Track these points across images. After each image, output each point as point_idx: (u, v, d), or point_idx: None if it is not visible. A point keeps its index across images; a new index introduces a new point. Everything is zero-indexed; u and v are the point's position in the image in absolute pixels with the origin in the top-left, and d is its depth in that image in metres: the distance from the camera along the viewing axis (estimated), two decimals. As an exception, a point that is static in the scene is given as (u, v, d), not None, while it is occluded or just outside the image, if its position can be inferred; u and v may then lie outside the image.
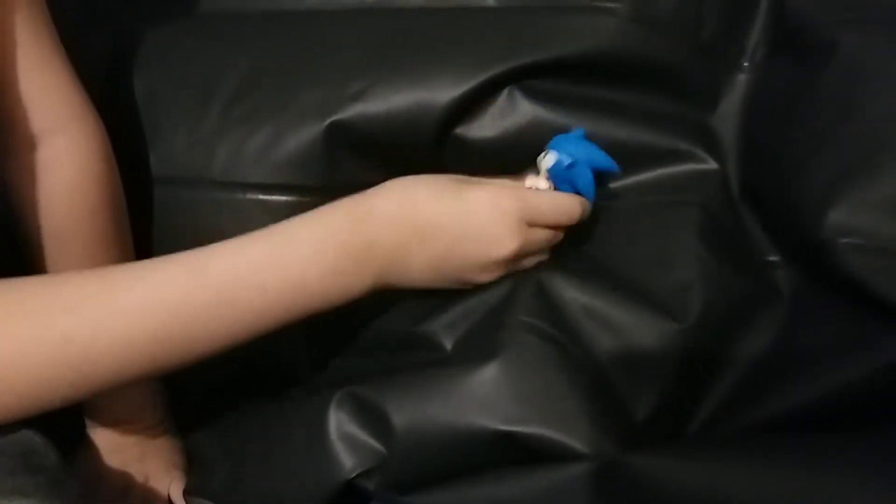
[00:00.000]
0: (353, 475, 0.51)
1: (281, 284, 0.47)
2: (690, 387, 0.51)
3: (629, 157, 0.58)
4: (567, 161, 0.53)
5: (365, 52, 0.60)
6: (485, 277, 0.53)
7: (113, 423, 0.60)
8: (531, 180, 0.55)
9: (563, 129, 0.57)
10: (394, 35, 0.61)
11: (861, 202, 0.50)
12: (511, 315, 0.51)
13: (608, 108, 0.59)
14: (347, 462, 0.51)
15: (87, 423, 0.60)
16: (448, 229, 0.50)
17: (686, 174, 0.59)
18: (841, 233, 0.50)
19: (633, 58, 0.59)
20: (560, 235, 0.54)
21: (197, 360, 0.48)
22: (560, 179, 0.54)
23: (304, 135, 0.58)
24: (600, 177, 0.56)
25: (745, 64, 0.62)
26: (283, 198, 0.58)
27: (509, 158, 0.59)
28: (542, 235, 0.53)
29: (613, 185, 0.59)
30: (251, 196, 0.58)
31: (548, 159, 0.54)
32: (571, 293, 0.53)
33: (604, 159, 0.55)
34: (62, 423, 0.53)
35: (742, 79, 0.61)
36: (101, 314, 0.45)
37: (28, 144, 0.54)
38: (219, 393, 0.62)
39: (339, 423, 0.51)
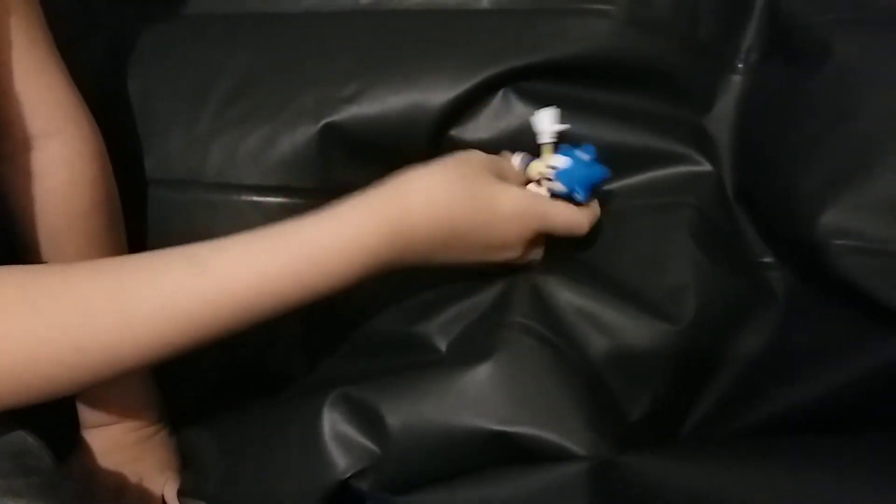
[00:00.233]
0: (347, 475, 0.51)
1: (297, 289, 0.47)
2: (685, 387, 0.52)
3: (624, 160, 0.58)
4: (569, 168, 0.54)
5: (359, 54, 0.60)
6: (484, 264, 0.53)
7: (107, 424, 0.60)
8: (531, 170, 0.55)
9: (562, 136, 0.57)
10: (388, 37, 0.61)
11: (855, 204, 0.50)
12: (506, 316, 0.52)
13: (602, 111, 0.59)
14: (341, 462, 0.51)
15: (82, 423, 0.60)
16: (472, 238, 0.51)
17: (680, 176, 0.59)
18: (835, 234, 0.50)
19: (627, 60, 0.59)
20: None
21: (198, 346, 0.47)
22: (562, 180, 0.54)
23: (298, 136, 0.58)
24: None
25: (740, 66, 0.62)
26: (278, 199, 0.58)
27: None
28: (542, 240, 0.55)
29: (608, 186, 0.59)
30: (245, 198, 0.58)
31: (555, 161, 0.54)
32: (566, 295, 0.53)
33: (601, 171, 0.55)
34: (57, 424, 0.54)
35: (737, 80, 0.62)
36: (115, 326, 0.45)
37: (23, 147, 0.54)
38: (214, 394, 0.62)
39: (334, 423, 0.51)
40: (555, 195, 0.54)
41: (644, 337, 0.51)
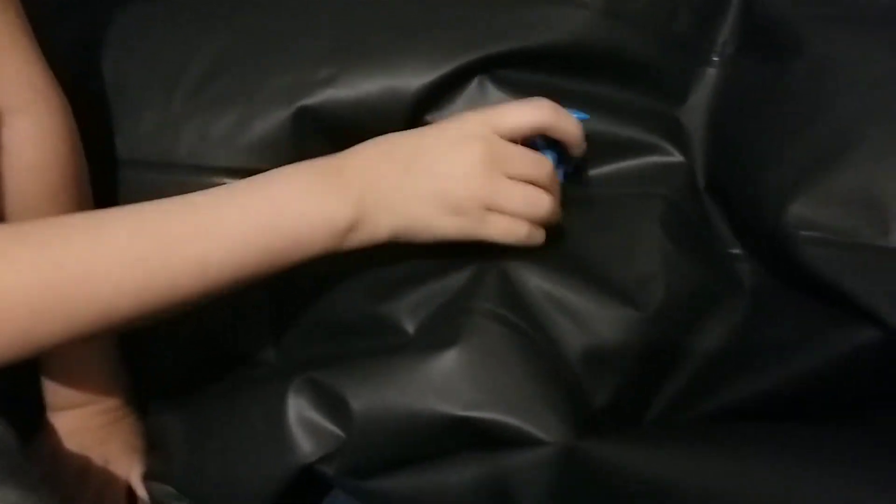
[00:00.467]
0: (312, 460, 0.51)
1: (259, 203, 0.49)
2: (651, 374, 0.52)
3: (597, 149, 0.58)
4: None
5: (335, 37, 0.60)
6: (466, 192, 0.50)
7: (73, 406, 0.59)
8: None
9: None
10: (365, 21, 0.60)
11: (821, 197, 0.51)
12: (473, 301, 0.52)
13: (577, 100, 0.59)
14: (306, 447, 0.51)
15: (48, 406, 0.60)
16: (409, 138, 0.52)
17: (652, 166, 0.59)
18: (801, 226, 0.51)
19: (604, 50, 0.59)
20: (544, 167, 0.53)
21: (184, 297, 0.48)
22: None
23: (271, 119, 0.58)
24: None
25: (715, 59, 0.62)
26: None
27: None
28: (517, 151, 0.52)
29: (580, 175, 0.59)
30: (217, 180, 0.58)
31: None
32: (535, 281, 0.53)
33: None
34: (22, 407, 0.53)
35: (712, 73, 0.62)
36: (91, 242, 0.46)
37: None
38: (182, 378, 0.62)
39: (299, 408, 0.51)
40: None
41: (611, 324, 0.51)
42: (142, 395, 0.63)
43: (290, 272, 0.50)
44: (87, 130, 0.59)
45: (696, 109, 0.62)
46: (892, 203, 0.49)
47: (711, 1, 0.62)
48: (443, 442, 0.49)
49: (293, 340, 0.58)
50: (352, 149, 0.52)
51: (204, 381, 0.60)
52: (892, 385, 0.48)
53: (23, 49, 0.54)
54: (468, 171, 0.50)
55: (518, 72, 0.59)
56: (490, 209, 0.51)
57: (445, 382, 0.49)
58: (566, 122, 0.53)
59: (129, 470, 0.60)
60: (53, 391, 0.60)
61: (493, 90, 0.58)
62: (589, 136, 0.58)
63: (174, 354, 0.61)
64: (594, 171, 0.60)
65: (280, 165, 0.57)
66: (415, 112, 0.58)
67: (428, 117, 0.59)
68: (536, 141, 0.54)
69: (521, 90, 0.58)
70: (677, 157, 0.60)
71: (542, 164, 0.53)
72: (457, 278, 0.54)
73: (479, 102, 0.59)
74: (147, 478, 0.59)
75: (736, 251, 0.57)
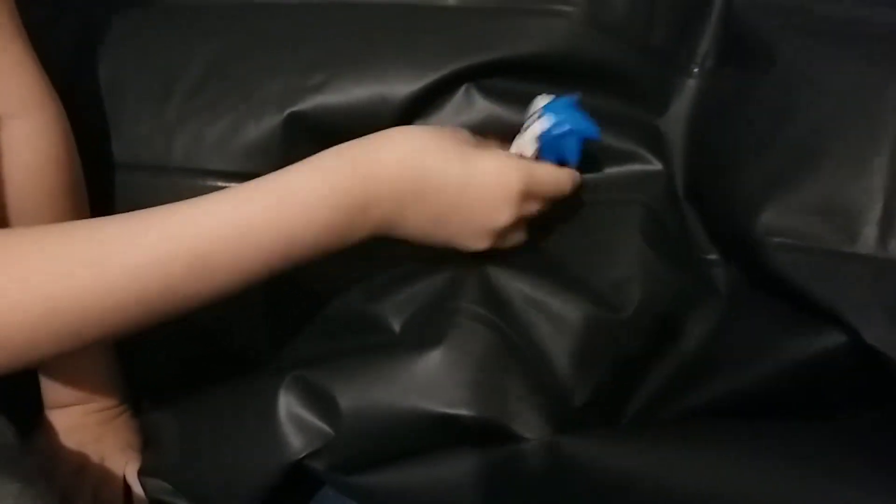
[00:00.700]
0: (302, 455, 0.52)
1: (274, 234, 0.47)
2: (628, 375, 0.53)
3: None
4: (560, 130, 0.54)
5: (326, 45, 0.61)
6: (475, 244, 0.52)
7: (70, 403, 0.61)
8: (518, 145, 0.56)
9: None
10: (355, 29, 0.62)
11: (790, 204, 0.52)
12: (456, 302, 0.53)
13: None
14: (295, 443, 0.52)
15: (45, 404, 0.61)
16: (450, 193, 0.50)
17: (632, 174, 0.61)
18: (772, 232, 0.52)
19: (585, 60, 0.60)
20: (548, 207, 0.54)
21: (197, 304, 0.47)
22: (547, 146, 0.55)
23: (263, 124, 0.59)
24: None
25: (696, 70, 0.63)
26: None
27: None
28: (534, 207, 0.53)
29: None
30: (210, 182, 0.59)
31: (541, 123, 0.55)
32: (515, 284, 0.54)
33: (591, 129, 0.55)
34: (20, 405, 0.54)
35: (692, 84, 0.63)
36: (91, 281, 0.45)
37: None
38: (176, 375, 0.63)
39: (289, 405, 0.53)
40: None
41: (589, 326, 0.52)
42: (136, 393, 0.64)
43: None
44: (82, 133, 0.60)
45: (676, 119, 0.63)
46: (858, 210, 0.50)
47: (691, 14, 0.63)
48: (427, 439, 0.50)
49: (285, 338, 0.60)
50: (388, 158, 0.50)
51: (197, 379, 0.61)
52: (858, 386, 0.50)
53: (18, 54, 0.55)
54: (489, 233, 0.52)
55: (503, 80, 0.60)
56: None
57: (429, 381, 0.50)
58: None
59: (125, 466, 0.61)
60: (51, 389, 0.61)
61: (478, 98, 0.60)
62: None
63: (168, 352, 0.62)
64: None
65: (272, 169, 0.58)
66: (403, 118, 0.59)
67: (416, 124, 0.60)
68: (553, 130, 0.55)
69: (505, 99, 0.59)
70: (656, 166, 0.61)
71: (548, 208, 0.54)
72: (440, 280, 0.55)
73: (465, 110, 0.60)
74: (142, 473, 0.59)
75: (712, 257, 0.59)
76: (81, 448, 0.60)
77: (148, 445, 0.62)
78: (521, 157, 0.55)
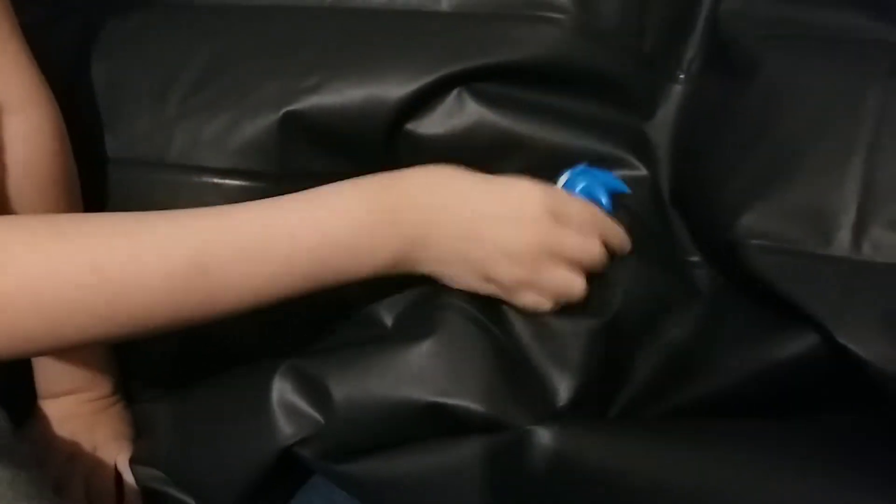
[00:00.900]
0: (292, 442, 0.53)
1: (310, 234, 0.47)
2: (611, 375, 0.54)
3: (567, 162, 0.61)
4: (580, 184, 0.57)
5: (323, 47, 0.62)
6: (508, 271, 0.50)
7: (63, 393, 0.61)
8: None
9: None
10: (351, 33, 0.63)
11: (770, 208, 0.54)
12: (445, 298, 0.54)
13: (549, 114, 0.62)
14: (286, 429, 0.53)
15: (39, 393, 0.62)
16: (474, 202, 0.50)
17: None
18: (751, 235, 0.54)
19: (575, 66, 0.62)
20: (593, 252, 0.52)
21: (218, 314, 0.48)
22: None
23: (260, 123, 0.60)
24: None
25: (682, 76, 0.65)
26: (238, 182, 0.60)
27: (456, 155, 0.59)
28: (571, 240, 0.51)
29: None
30: (207, 179, 0.60)
31: (561, 180, 0.57)
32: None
33: (615, 182, 0.58)
34: (13, 393, 0.55)
35: (678, 90, 0.65)
36: (132, 248, 0.46)
37: None
38: (168, 366, 0.64)
39: (282, 392, 0.54)
40: None
41: (570, 326, 0.54)
42: (130, 383, 0.65)
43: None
44: (81, 129, 0.61)
45: (663, 124, 0.64)
46: (833, 215, 0.52)
47: (678, 22, 0.65)
48: (417, 428, 0.51)
49: (280, 331, 0.60)
50: (415, 184, 0.50)
51: (191, 369, 0.62)
52: (835, 385, 0.51)
53: (14, 52, 0.56)
54: (519, 254, 0.50)
55: (495, 85, 0.61)
56: (526, 287, 0.52)
57: (419, 371, 0.51)
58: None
59: (117, 455, 0.61)
60: (45, 379, 0.62)
61: (470, 102, 0.61)
62: (561, 150, 0.61)
63: (161, 343, 0.62)
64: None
65: (268, 168, 0.60)
66: (396, 120, 0.60)
67: (409, 125, 0.61)
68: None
69: (496, 103, 0.61)
70: (642, 171, 0.62)
71: (591, 249, 0.52)
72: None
73: (456, 113, 0.61)
74: (134, 462, 0.60)
75: (695, 259, 0.60)
76: (74, 437, 0.61)
77: (141, 435, 0.63)
78: None
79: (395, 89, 0.60)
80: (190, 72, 0.63)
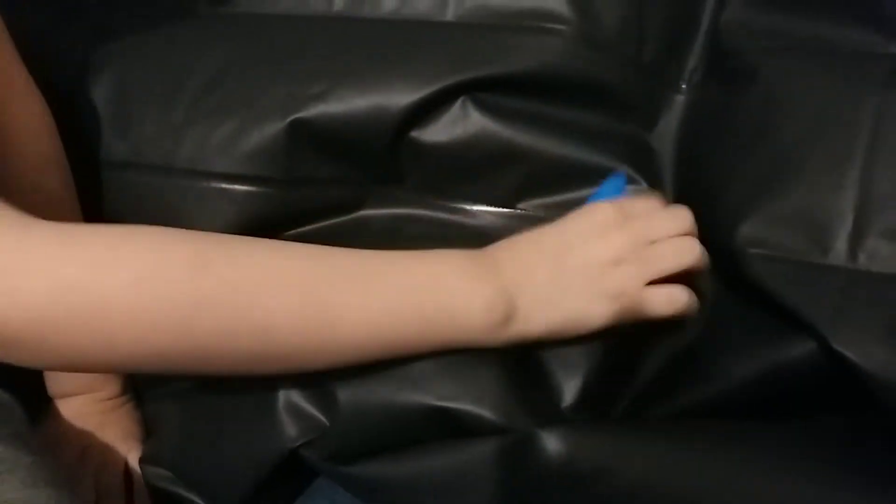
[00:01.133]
0: (297, 444, 0.54)
1: (417, 273, 0.49)
2: (615, 376, 0.55)
3: (565, 174, 0.62)
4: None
5: (330, 55, 0.63)
6: (618, 273, 0.50)
7: (73, 393, 0.63)
8: None
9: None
10: (357, 42, 0.64)
11: (768, 217, 0.55)
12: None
13: (550, 125, 0.62)
14: (292, 432, 0.54)
15: (49, 393, 0.63)
16: (552, 231, 0.52)
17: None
18: (750, 243, 0.55)
19: (576, 76, 0.62)
20: (682, 222, 0.52)
21: (325, 361, 0.48)
22: None
23: (267, 130, 0.61)
24: None
25: (684, 86, 0.65)
26: (245, 188, 0.60)
27: (460, 163, 0.62)
28: (649, 225, 0.52)
29: (548, 199, 0.63)
30: (214, 184, 0.61)
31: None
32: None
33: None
34: (28, 390, 0.56)
35: (680, 99, 0.65)
36: (267, 276, 0.46)
37: None
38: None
39: (287, 395, 0.54)
40: None
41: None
42: (138, 383, 0.66)
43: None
44: (89, 133, 0.62)
45: (665, 134, 0.65)
46: (830, 224, 0.53)
47: (680, 33, 0.65)
48: (419, 431, 0.52)
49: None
50: (498, 243, 0.52)
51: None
52: (831, 391, 0.52)
53: (4, 52, 0.57)
54: (617, 253, 0.50)
55: (498, 95, 0.62)
56: (647, 282, 0.50)
57: (423, 375, 0.51)
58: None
59: (127, 454, 0.62)
60: (54, 379, 0.63)
61: (473, 112, 0.61)
62: (560, 162, 0.62)
63: None
64: (561, 197, 0.62)
65: (275, 174, 0.61)
66: (400, 128, 0.61)
67: (413, 133, 0.61)
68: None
69: (499, 113, 0.61)
70: (640, 185, 0.62)
71: (680, 217, 0.53)
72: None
73: (460, 122, 0.61)
74: (143, 462, 0.61)
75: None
76: (84, 436, 0.62)
77: (150, 435, 0.64)
78: None
79: (399, 98, 0.60)
80: (198, 78, 0.64)
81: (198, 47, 0.65)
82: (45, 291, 0.41)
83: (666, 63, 0.66)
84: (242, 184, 0.61)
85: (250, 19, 0.67)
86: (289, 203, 0.62)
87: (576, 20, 0.62)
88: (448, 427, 0.51)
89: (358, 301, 0.47)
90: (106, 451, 0.62)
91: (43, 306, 0.41)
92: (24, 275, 0.41)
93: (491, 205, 0.63)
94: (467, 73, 0.61)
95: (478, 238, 0.56)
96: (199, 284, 0.43)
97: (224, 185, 0.61)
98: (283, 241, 0.49)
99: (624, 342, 0.54)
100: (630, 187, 0.60)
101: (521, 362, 0.53)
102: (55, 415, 0.62)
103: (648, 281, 0.50)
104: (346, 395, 0.53)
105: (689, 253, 0.51)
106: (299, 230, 0.63)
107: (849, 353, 0.49)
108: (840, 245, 0.53)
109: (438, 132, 0.62)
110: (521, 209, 0.63)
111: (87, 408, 0.63)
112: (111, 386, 0.64)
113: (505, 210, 0.63)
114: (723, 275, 0.58)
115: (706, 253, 0.52)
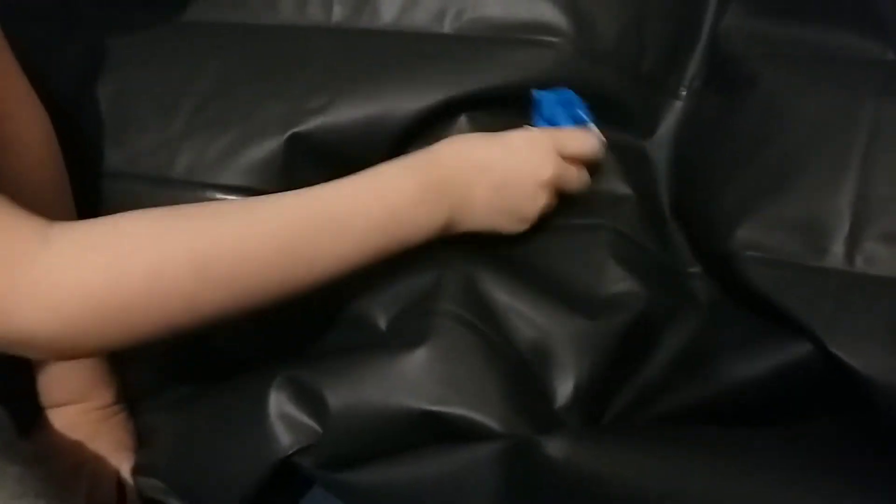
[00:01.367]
0: (290, 452, 0.53)
1: (380, 207, 0.53)
2: (607, 379, 0.55)
3: None
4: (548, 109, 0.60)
5: (329, 68, 0.63)
6: (535, 205, 0.57)
7: (66, 402, 0.62)
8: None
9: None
10: (356, 54, 0.64)
11: (766, 221, 0.55)
12: (440, 303, 0.55)
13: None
14: (285, 440, 0.54)
15: (42, 402, 0.63)
16: (499, 161, 0.57)
17: (601, 199, 0.62)
18: (747, 247, 0.55)
19: (575, 89, 0.62)
20: (585, 175, 0.60)
21: (310, 285, 0.51)
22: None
23: (266, 143, 0.61)
24: None
25: (683, 93, 0.66)
26: (242, 199, 0.60)
27: None
28: (572, 171, 0.59)
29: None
30: (210, 195, 0.61)
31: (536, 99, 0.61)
32: (497, 290, 0.56)
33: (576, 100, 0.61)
34: (19, 402, 0.56)
35: (679, 105, 0.66)
36: (244, 223, 0.50)
37: None
38: (169, 376, 0.65)
39: (279, 403, 0.54)
40: None
41: (567, 332, 0.54)
42: (131, 396, 0.65)
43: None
44: (87, 143, 0.62)
45: (664, 139, 0.65)
46: (827, 228, 0.53)
47: (680, 38, 0.66)
48: (412, 436, 0.52)
49: (275, 336, 0.61)
50: (446, 154, 0.57)
51: (191, 379, 0.63)
52: (826, 394, 0.52)
53: (7, 63, 0.58)
54: (541, 193, 0.57)
55: (496, 110, 0.62)
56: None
57: (414, 380, 0.52)
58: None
59: (120, 464, 0.62)
60: (46, 388, 0.62)
61: (473, 125, 0.62)
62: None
63: (162, 353, 0.63)
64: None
65: (272, 186, 0.60)
66: (399, 142, 0.61)
67: (413, 148, 0.61)
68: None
69: (496, 127, 0.60)
70: (626, 191, 0.63)
71: (588, 144, 0.60)
72: (426, 280, 0.57)
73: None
74: (136, 472, 0.61)
75: (694, 270, 0.61)
76: (77, 447, 0.61)
77: (142, 445, 0.63)
78: None
79: (398, 112, 0.61)
80: (196, 89, 0.64)
81: (197, 59, 0.66)
82: (73, 302, 0.44)
83: (666, 70, 0.66)
84: (240, 195, 0.61)
85: (249, 30, 0.67)
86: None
87: (573, 32, 0.63)
88: (441, 432, 0.51)
89: (330, 249, 0.52)
90: (98, 461, 0.62)
91: (72, 315, 0.45)
92: (52, 287, 0.44)
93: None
94: (465, 87, 0.61)
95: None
96: (196, 271, 0.47)
97: (220, 196, 0.61)
98: (258, 201, 0.53)
99: (617, 346, 0.54)
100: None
101: (514, 364, 0.53)
102: (47, 425, 0.62)
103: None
104: (337, 401, 0.53)
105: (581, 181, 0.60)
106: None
107: (846, 357, 0.49)
108: (837, 248, 0.52)
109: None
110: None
111: (79, 418, 0.62)
112: (104, 395, 0.63)
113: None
114: (722, 278, 0.58)
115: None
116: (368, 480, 0.53)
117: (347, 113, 0.61)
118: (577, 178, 0.59)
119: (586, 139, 0.60)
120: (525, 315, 0.55)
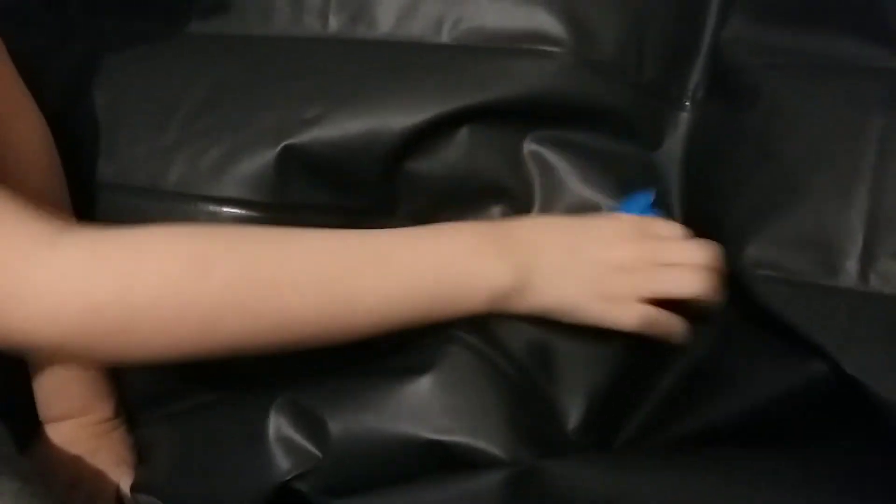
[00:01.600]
0: (289, 477, 0.53)
1: (428, 254, 0.50)
2: (619, 401, 0.54)
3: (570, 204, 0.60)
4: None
5: (324, 78, 0.62)
6: (613, 279, 0.51)
7: (64, 417, 0.62)
8: None
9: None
10: (352, 64, 0.63)
11: (775, 237, 0.54)
12: (448, 329, 0.53)
13: (552, 143, 0.62)
14: (284, 464, 0.53)
15: (40, 417, 0.62)
16: (572, 229, 0.54)
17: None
18: (757, 265, 0.54)
19: (576, 100, 0.61)
20: (695, 255, 0.53)
21: (348, 330, 0.49)
22: None
23: (258, 155, 0.60)
24: None
25: (687, 103, 0.65)
26: (235, 211, 0.60)
27: (453, 192, 0.61)
28: (662, 247, 0.53)
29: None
30: (202, 207, 0.60)
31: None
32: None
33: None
34: (18, 417, 0.56)
35: (684, 117, 0.64)
36: (281, 252, 0.48)
37: None
38: (168, 393, 0.64)
39: (279, 427, 0.53)
40: None
41: (578, 354, 0.53)
42: (131, 409, 0.65)
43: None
44: (79, 154, 0.62)
45: (671, 152, 0.64)
46: (839, 245, 0.52)
47: (682, 48, 0.65)
48: (414, 464, 0.51)
49: (277, 358, 0.60)
50: (519, 220, 0.55)
51: (191, 392, 0.62)
52: (841, 416, 0.51)
53: (7, 70, 0.57)
54: (624, 262, 0.52)
55: (497, 119, 0.61)
56: (642, 298, 0.51)
57: (418, 407, 0.51)
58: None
59: (118, 480, 0.61)
60: (44, 402, 0.62)
61: (468, 141, 0.61)
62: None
63: (162, 369, 0.63)
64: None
65: (265, 198, 0.60)
66: (395, 154, 0.60)
67: (407, 161, 0.61)
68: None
69: (497, 142, 0.61)
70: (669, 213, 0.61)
71: (697, 249, 0.53)
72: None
73: (456, 152, 0.61)
74: (134, 489, 0.60)
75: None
76: (76, 462, 0.61)
77: (141, 461, 0.63)
78: None
79: (394, 125, 0.60)
80: (189, 100, 0.63)
81: (190, 69, 0.65)
82: (72, 309, 0.44)
83: (668, 80, 0.65)
84: (231, 207, 0.60)
85: (243, 41, 0.66)
86: (278, 228, 0.60)
87: (572, 42, 0.61)
88: (443, 460, 0.50)
89: (374, 286, 0.49)
90: (97, 477, 0.61)
91: (71, 323, 0.44)
92: (60, 297, 0.44)
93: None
94: (464, 100, 0.60)
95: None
96: (219, 292, 0.46)
97: (212, 208, 0.60)
98: (298, 231, 0.51)
99: (630, 366, 0.54)
100: (657, 212, 0.59)
101: (523, 390, 0.52)
102: (45, 440, 0.61)
103: (644, 298, 0.51)
104: (338, 427, 0.52)
105: (692, 284, 0.52)
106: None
107: (861, 379, 0.48)
108: (850, 266, 0.51)
109: (433, 161, 0.61)
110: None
111: (78, 432, 0.61)
112: (104, 408, 0.63)
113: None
114: (733, 296, 0.56)
115: (718, 289, 0.52)
116: (370, 507, 0.52)
117: (343, 124, 0.60)
118: (678, 249, 0.53)
119: (670, 224, 0.55)
120: (533, 335, 0.54)
